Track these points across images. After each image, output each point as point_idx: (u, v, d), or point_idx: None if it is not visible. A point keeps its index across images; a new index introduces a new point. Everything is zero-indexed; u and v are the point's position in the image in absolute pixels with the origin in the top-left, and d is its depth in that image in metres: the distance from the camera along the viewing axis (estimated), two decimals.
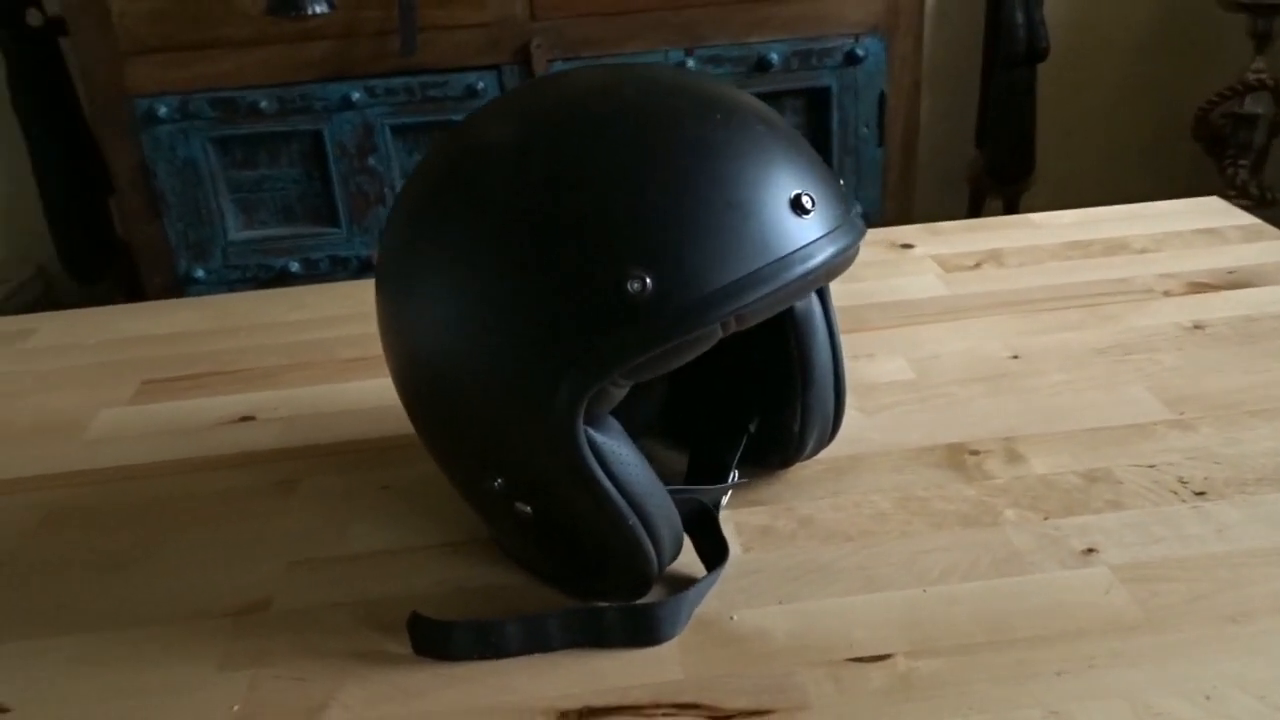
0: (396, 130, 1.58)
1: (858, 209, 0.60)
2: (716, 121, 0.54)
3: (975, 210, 2.19)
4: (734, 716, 0.52)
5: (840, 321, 0.67)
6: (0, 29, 1.76)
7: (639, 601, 0.58)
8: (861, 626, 0.57)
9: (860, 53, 1.57)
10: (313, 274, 1.64)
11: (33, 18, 1.76)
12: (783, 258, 0.52)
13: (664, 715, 0.53)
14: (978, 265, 1.03)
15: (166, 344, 0.98)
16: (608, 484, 0.54)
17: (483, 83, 1.54)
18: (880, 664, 0.55)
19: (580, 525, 0.57)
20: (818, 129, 1.64)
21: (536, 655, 0.57)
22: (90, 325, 1.04)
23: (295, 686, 0.56)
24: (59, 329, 1.04)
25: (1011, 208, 2.10)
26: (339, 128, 1.56)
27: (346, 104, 1.54)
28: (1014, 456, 0.72)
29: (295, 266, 1.64)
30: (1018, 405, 0.78)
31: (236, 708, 0.55)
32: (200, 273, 1.62)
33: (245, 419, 0.84)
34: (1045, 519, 0.65)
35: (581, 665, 0.57)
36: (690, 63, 1.55)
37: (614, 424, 0.56)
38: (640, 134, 0.53)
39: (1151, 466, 0.69)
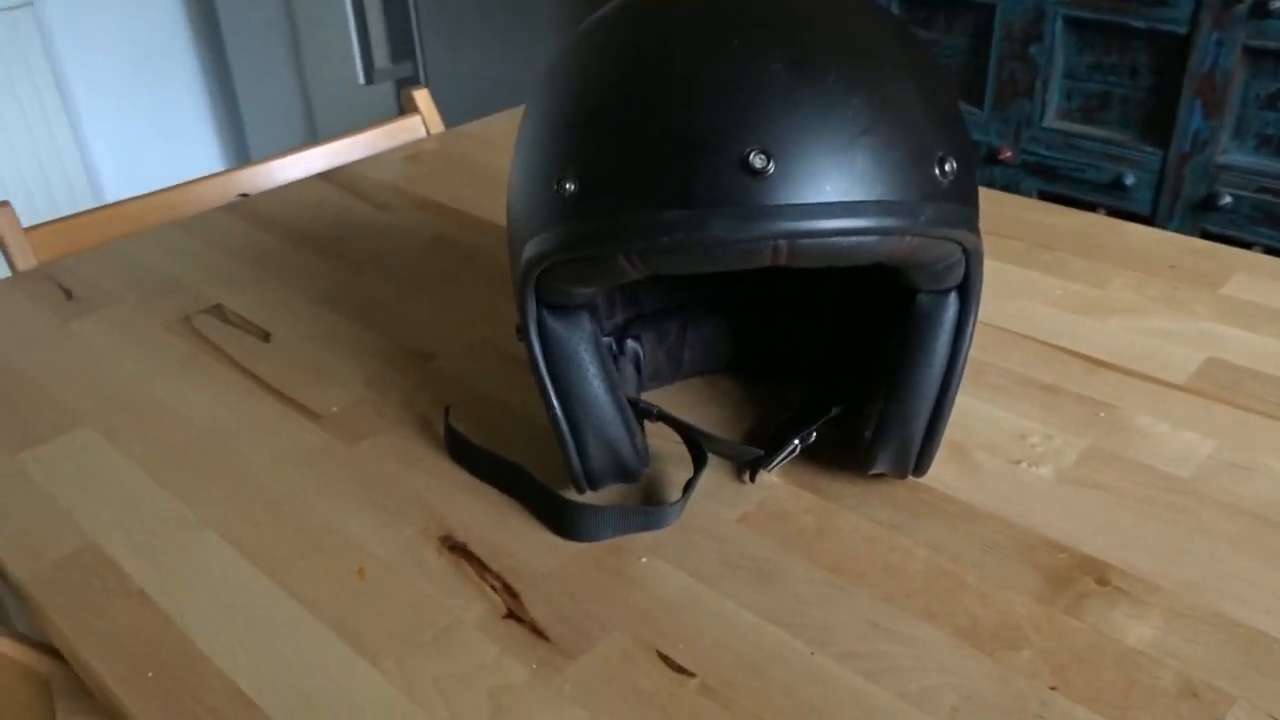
0: (1070, 23, 1.42)
1: (923, 211, 0.48)
2: (720, 46, 0.47)
3: None
4: (523, 621, 0.54)
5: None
6: None
7: (564, 494, 0.60)
8: (711, 640, 0.52)
9: None
10: None
11: None
12: (699, 210, 0.46)
13: (490, 586, 0.56)
14: None
15: None
16: (540, 362, 0.55)
17: None
18: (674, 675, 0.50)
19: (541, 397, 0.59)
20: None
21: (494, 490, 0.63)
22: None
23: (372, 416, 0.71)
24: None
25: None
26: (1012, 7, 1.46)
27: None
28: (1142, 613, 0.52)
29: None
30: (1259, 572, 0.54)
31: (335, 409, 0.72)
32: None
33: None
34: (1052, 689, 0.48)
35: (507, 514, 0.61)
36: None
37: (584, 326, 0.56)
38: (638, 43, 0.50)
39: None
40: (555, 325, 0.55)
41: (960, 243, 0.51)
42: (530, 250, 0.52)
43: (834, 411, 0.62)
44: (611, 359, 0.65)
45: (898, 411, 0.56)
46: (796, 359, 0.70)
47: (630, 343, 0.68)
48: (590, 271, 0.51)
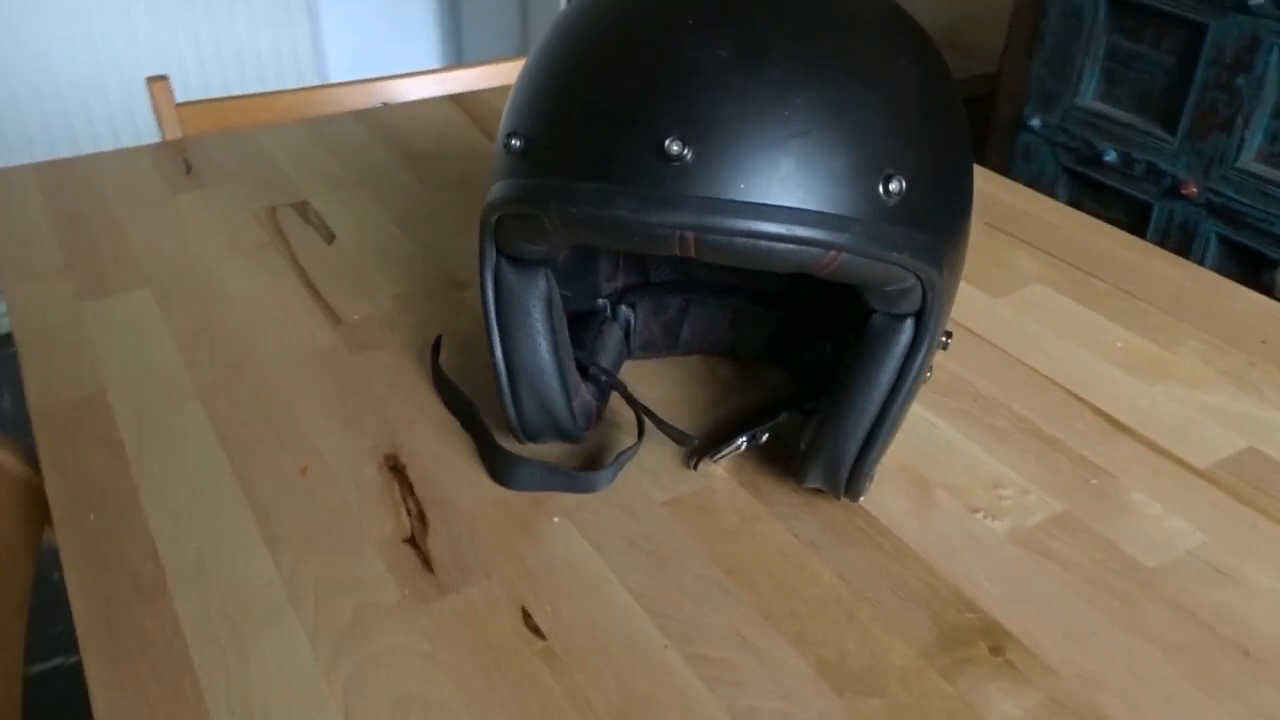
0: None
1: (848, 227, 0.45)
2: (675, 26, 0.46)
3: None
4: (419, 549, 0.56)
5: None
6: None
7: (502, 441, 0.61)
8: (578, 610, 0.52)
9: None
10: (1125, 172, 1.49)
11: None
12: (611, 187, 0.46)
13: (406, 510, 0.58)
14: None
15: None
16: (491, 310, 0.57)
17: None
18: (527, 634, 0.51)
19: None
20: None
21: (456, 423, 0.65)
22: None
23: (385, 332, 0.74)
24: None
25: None
26: (1226, 29, 1.32)
27: (1242, 6, 1.28)
28: (1019, 694, 0.48)
29: (1111, 156, 1.50)
30: (1182, 691, 0.49)
31: (357, 318, 0.76)
32: (1036, 122, 1.59)
33: None
34: None
35: (455, 449, 0.63)
36: None
37: (538, 284, 0.56)
38: (606, 10, 0.49)
39: None
40: (511, 277, 0.56)
41: (906, 268, 0.48)
42: (487, 198, 0.53)
43: (781, 417, 0.60)
44: (597, 321, 0.66)
45: (830, 429, 0.54)
46: (797, 357, 0.69)
47: (623, 309, 0.68)
48: (525, 230, 0.51)
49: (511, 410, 0.59)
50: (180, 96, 1.17)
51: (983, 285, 0.82)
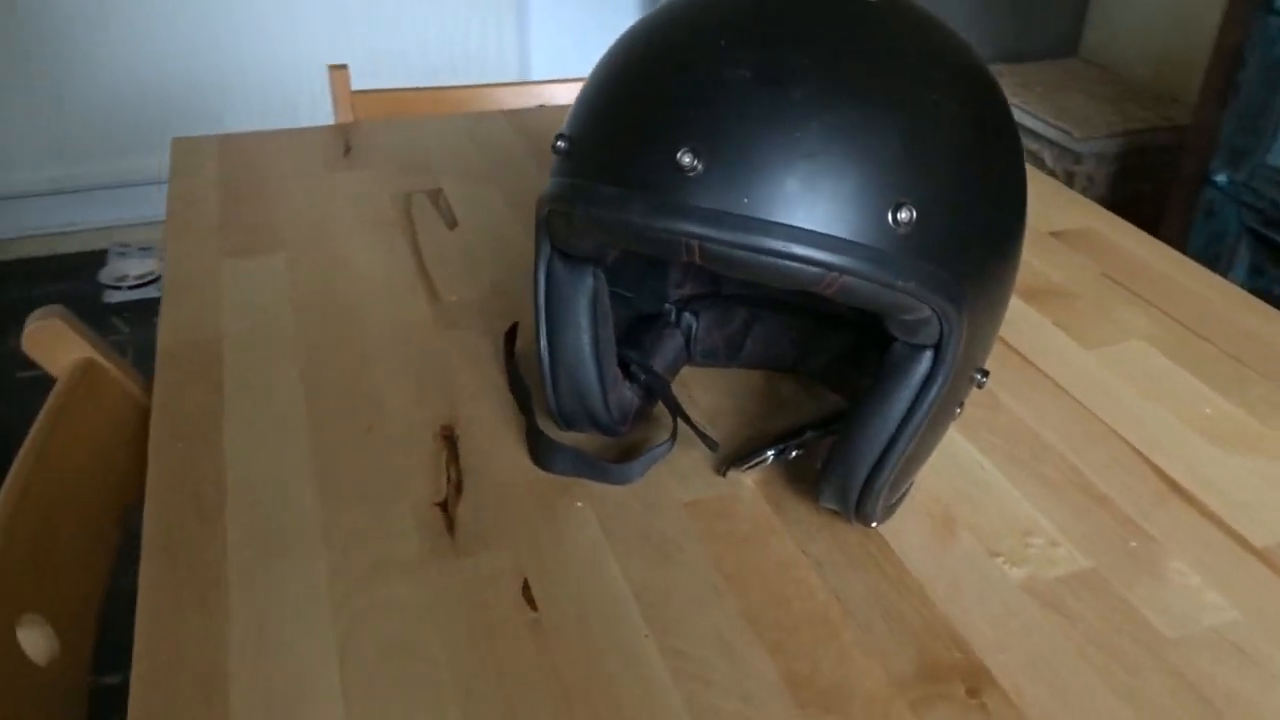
0: None
1: (849, 251, 0.46)
2: (706, 46, 0.48)
3: None
4: (446, 513, 0.60)
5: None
6: None
7: (542, 423, 0.64)
8: (574, 589, 0.55)
9: None
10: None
11: None
12: (629, 192, 0.48)
13: (447, 477, 0.63)
14: None
15: None
16: (541, 300, 0.60)
17: None
18: (521, 605, 0.54)
19: None
20: None
21: (513, 400, 0.69)
22: None
23: (474, 313, 0.79)
24: None
25: None
26: None
27: None
28: None
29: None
30: None
31: (454, 298, 0.81)
32: (1222, 178, 1.49)
33: None
34: None
35: (507, 426, 0.67)
36: None
37: (586, 281, 0.59)
38: (654, 29, 0.52)
39: None
40: (561, 272, 0.60)
41: (916, 298, 0.49)
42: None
43: (807, 435, 0.61)
44: (660, 325, 0.69)
45: (843, 451, 0.55)
46: (856, 382, 0.69)
47: (687, 315, 0.70)
48: (568, 227, 0.55)
49: (551, 396, 0.62)
50: (388, 86, 1.28)
51: (1079, 335, 0.79)
